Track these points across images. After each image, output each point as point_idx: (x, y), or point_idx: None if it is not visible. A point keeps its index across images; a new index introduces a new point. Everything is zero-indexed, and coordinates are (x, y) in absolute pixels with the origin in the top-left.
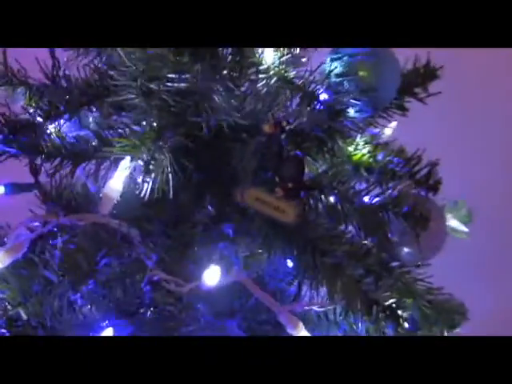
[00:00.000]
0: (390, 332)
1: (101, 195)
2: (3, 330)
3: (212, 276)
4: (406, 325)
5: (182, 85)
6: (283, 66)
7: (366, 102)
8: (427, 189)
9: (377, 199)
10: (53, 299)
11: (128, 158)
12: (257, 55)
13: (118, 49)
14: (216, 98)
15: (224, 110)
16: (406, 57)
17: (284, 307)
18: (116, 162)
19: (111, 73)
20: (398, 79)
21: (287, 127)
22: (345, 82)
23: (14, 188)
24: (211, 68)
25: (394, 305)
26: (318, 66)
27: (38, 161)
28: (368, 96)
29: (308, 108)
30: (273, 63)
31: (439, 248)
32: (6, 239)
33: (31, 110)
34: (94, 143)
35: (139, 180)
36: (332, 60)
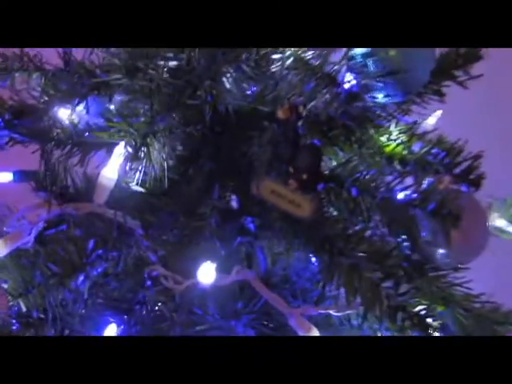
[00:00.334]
0: None
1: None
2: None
3: (207, 274)
4: (437, 335)
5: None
6: None
7: (395, 84)
8: (468, 184)
9: (403, 193)
10: (56, 291)
11: (122, 144)
12: None
13: None
14: (225, 81)
15: (232, 94)
16: None
17: (295, 310)
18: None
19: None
20: (432, 59)
21: (304, 112)
22: (369, 63)
23: (23, 175)
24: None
25: (422, 312)
26: None
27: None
28: (397, 78)
29: (326, 91)
30: None
31: (480, 250)
32: (5, 228)
33: (36, 94)
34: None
35: (127, 168)
36: None
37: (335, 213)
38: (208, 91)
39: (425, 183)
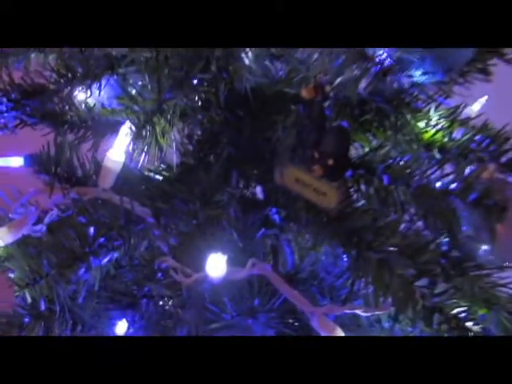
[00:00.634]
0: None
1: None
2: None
3: (217, 266)
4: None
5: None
6: None
7: (435, 60)
8: None
9: (441, 182)
10: (64, 282)
11: (128, 123)
12: None
13: None
14: (243, 57)
15: (251, 71)
16: None
17: (318, 309)
18: None
19: None
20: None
21: (331, 92)
22: None
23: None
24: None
25: (461, 315)
26: None
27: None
28: (437, 52)
29: (356, 67)
30: None
31: None
32: (10, 215)
33: (47, 73)
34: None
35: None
36: None
37: (364, 203)
38: (222, 65)
39: (466, 172)
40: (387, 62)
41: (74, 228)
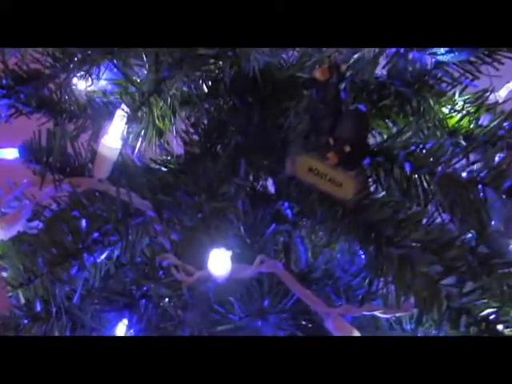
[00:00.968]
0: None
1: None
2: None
3: (220, 263)
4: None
5: None
6: None
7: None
8: None
9: (469, 170)
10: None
11: (124, 106)
12: None
13: None
14: None
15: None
16: None
17: (333, 310)
18: None
19: None
20: None
21: (347, 72)
22: None
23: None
24: None
25: (492, 316)
26: None
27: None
28: None
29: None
30: None
31: None
32: (2, 209)
33: (42, 58)
34: None
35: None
36: None
37: (384, 194)
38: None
39: (496, 159)
40: None
41: (67, 222)
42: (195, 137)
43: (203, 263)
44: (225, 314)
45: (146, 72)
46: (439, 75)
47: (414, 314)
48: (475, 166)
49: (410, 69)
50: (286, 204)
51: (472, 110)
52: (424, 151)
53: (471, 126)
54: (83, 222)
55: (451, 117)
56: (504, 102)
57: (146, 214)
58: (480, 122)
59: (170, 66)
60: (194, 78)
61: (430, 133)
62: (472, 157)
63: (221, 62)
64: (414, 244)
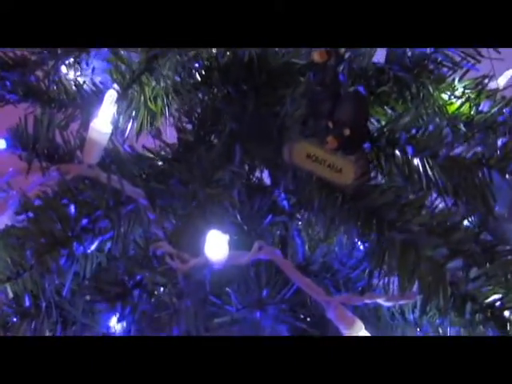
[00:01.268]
0: None
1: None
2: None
3: (217, 247)
4: None
5: None
6: None
7: None
8: None
9: (473, 152)
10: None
11: (114, 89)
12: None
13: None
14: None
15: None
16: None
17: (335, 299)
18: None
19: None
20: None
21: (346, 54)
22: None
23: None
24: None
25: (498, 303)
26: None
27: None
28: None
29: None
30: None
31: None
32: None
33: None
34: None
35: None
36: None
37: (385, 180)
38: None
39: (499, 143)
40: None
41: (55, 210)
42: (188, 126)
43: (199, 250)
44: (221, 305)
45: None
46: (439, 59)
47: (418, 302)
48: (479, 148)
49: (409, 53)
50: (283, 195)
51: (472, 95)
52: (426, 134)
53: (472, 112)
54: (72, 209)
55: (451, 103)
56: (504, 88)
57: (138, 202)
58: (480, 108)
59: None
60: (187, 58)
61: (430, 119)
62: (474, 142)
63: (214, 50)
64: (417, 228)
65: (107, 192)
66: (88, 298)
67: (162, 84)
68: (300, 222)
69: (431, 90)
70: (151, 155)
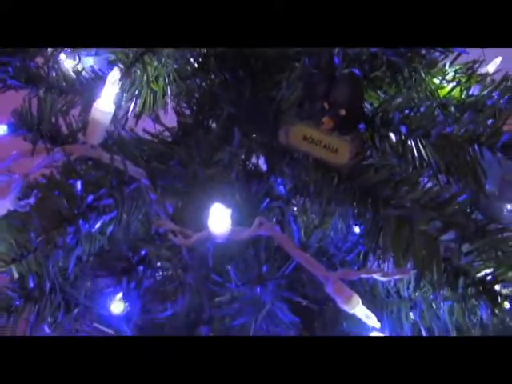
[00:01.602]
0: (483, 314)
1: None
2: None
3: (221, 221)
4: (507, 305)
5: None
6: None
7: None
8: None
9: (465, 129)
10: (53, 256)
11: (117, 69)
12: None
13: None
14: None
15: None
16: None
17: (333, 274)
18: None
19: None
20: None
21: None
22: None
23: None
24: None
25: (489, 277)
26: None
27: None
28: None
29: None
30: None
31: None
32: None
33: None
34: None
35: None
36: None
37: (379, 159)
38: None
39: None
40: None
41: (61, 189)
42: (187, 111)
43: (201, 226)
44: (223, 282)
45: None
46: None
47: (412, 278)
48: (470, 126)
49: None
50: (279, 180)
51: (463, 79)
52: (418, 114)
53: (462, 96)
54: (78, 186)
55: (442, 87)
56: (494, 73)
57: (140, 182)
58: (471, 92)
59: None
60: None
61: (422, 101)
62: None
63: None
64: (411, 204)
65: (110, 172)
66: (94, 273)
67: (164, 65)
68: (296, 208)
69: (423, 74)
70: (151, 138)
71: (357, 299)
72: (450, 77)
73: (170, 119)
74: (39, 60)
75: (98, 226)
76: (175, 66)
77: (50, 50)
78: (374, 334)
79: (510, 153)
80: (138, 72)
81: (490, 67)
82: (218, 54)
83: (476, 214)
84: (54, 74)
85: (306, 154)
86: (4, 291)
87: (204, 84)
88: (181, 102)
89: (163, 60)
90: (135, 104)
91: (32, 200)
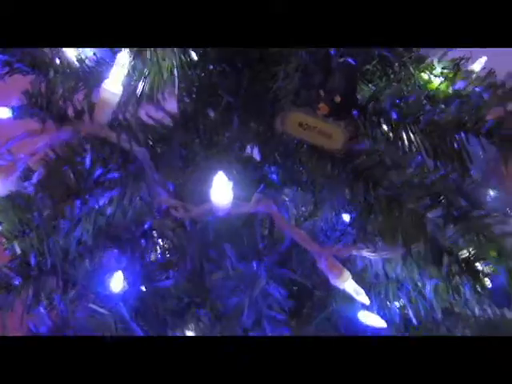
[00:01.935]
0: (466, 293)
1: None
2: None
3: (223, 192)
4: (488, 282)
5: None
6: None
7: None
8: None
9: (450, 117)
10: (57, 235)
11: (126, 50)
12: None
13: None
14: None
15: None
16: None
17: (326, 250)
18: None
19: None
20: None
21: None
22: None
23: (23, 111)
24: None
25: (471, 256)
26: None
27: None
28: None
29: None
30: None
31: None
32: None
33: None
34: None
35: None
36: None
37: (371, 144)
38: None
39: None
40: None
41: (70, 164)
42: (186, 99)
43: (203, 200)
44: (220, 260)
45: None
46: None
47: (399, 258)
48: (456, 113)
49: None
50: (273, 169)
51: (450, 75)
52: (408, 103)
53: (449, 90)
54: (87, 162)
55: (430, 82)
56: (481, 69)
57: (143, 162)
58: (457, 87)
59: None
60: None
61: (411, 94)
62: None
63: None
64: (401, 185)
65: (116, 150)
66: (99, 245)
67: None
68: (287, 199)
69: (412, 69)
70: (154, 123)
71: (347, 274)
72: (437, 72)
73: (173, 105)
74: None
75: (103, 202)
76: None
77: None
78: (362, 312)
79: (493, 138)
80: (148, 52)
81: (476, 66)
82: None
83: (461, 200)
84: (57, 61)
85: (302, 141)
86: (4, 271)
87: (203, 74)
88: (182, 89)
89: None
90: (143, 86)
91: (35, 180)
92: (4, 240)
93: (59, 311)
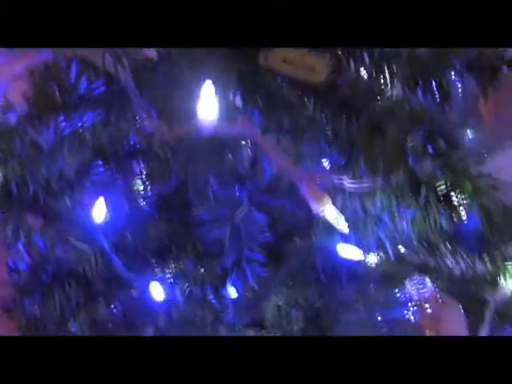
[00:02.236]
0: (443, 222)
1: None
2: None
3: (208, 111)
4: (464, 215)
5: None
6: None
7: None
8: None
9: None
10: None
11: None
12: None
13: None
14: None
15: None
16: None
17: (307, 175)
18: None
19: None
20: None
21: None
22: None
23: None
24: None
25: (447, 188)
26: None
27: None
28: None
29: None
30: None
31: None
32: None
33: None
34: None
35: None
36: None
37: (354, 76)
38: None
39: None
40: None
41: (55, 79)
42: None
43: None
44: (203, 189)
45: None
46: None
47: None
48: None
49: None
50: (255, 113)
51: None
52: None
53: None
54: (72, 75)
55: None
56: None
57: (127, 85)
58: None
59: None
60: None
61: None
62: None
63: None
64: (382, 114)
65: (101, 72)
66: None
67: None
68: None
69: None
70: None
71: (328, 198)
72: None
73: None
74: None
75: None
76: None
77: None
78: (340, 245)
79: (474, 72)
80: None
81: None
82: None
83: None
84: None
85: (285, 77)
86: None
87: None
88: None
89: None
90: None
91: (15, 114)
92: None
93: (39, 248)
